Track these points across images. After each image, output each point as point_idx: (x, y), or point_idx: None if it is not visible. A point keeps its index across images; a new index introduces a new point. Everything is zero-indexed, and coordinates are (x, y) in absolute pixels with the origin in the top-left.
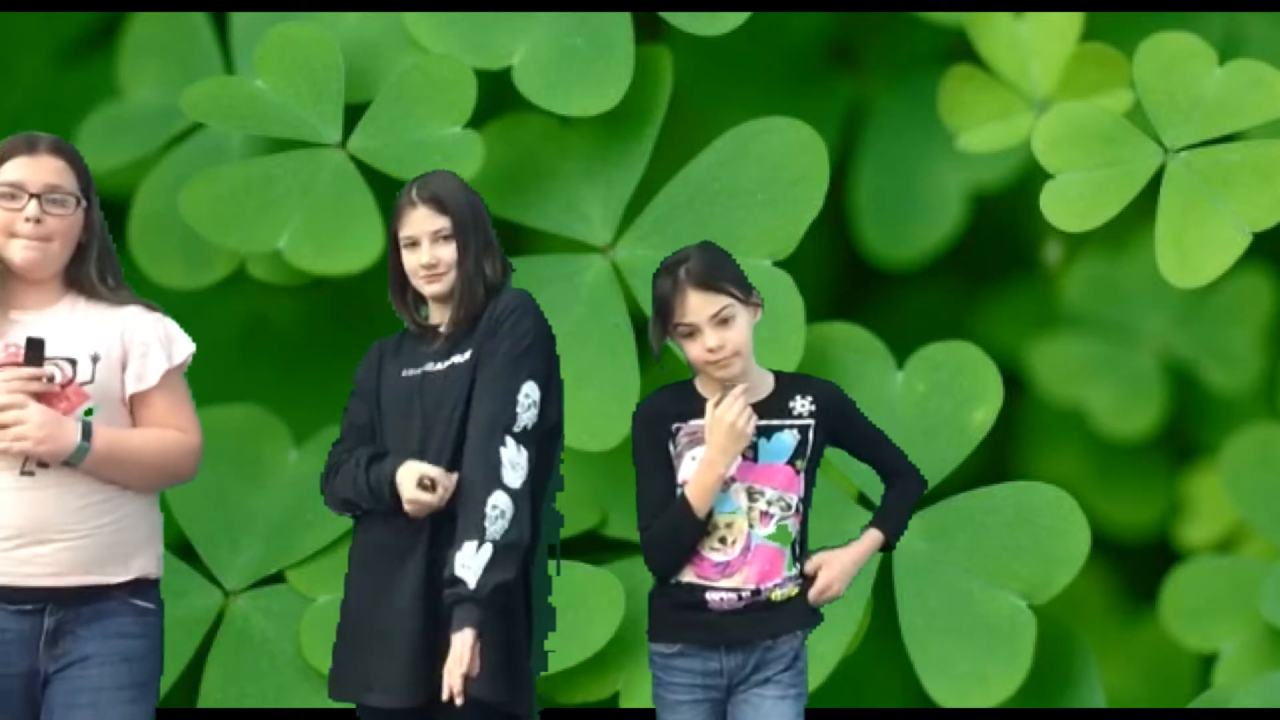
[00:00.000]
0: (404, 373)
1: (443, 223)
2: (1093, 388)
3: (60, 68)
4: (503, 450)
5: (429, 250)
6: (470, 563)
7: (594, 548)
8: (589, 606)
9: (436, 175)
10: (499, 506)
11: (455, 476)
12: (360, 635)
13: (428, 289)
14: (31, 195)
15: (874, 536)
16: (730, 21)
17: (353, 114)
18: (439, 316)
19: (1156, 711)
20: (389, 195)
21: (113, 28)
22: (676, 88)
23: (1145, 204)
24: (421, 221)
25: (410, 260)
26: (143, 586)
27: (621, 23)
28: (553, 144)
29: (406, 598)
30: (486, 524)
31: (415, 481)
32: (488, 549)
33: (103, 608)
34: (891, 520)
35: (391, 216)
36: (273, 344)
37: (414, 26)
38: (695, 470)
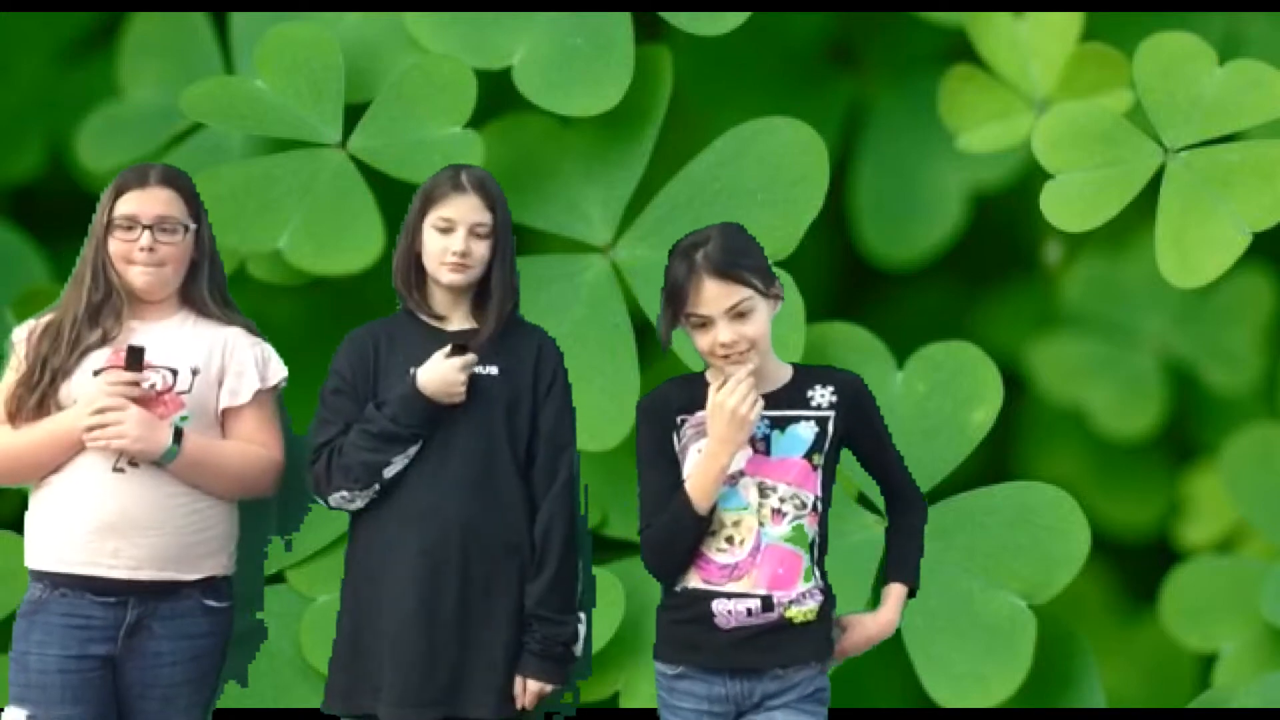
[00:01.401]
0: (413, 370)
1: (487, 218)
2: (1093, 388)
3: (60, 68)
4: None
5: (464, 240)
6: (582, 634)
7: (594, 547)
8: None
9: (478, 168)
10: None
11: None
12: (384, 644)
13: (449, 277)
14: (145, 227)
15: (900, 593)
16: (730, 21)
17: (353, 114)
18: (445, 308)
19: (1156, 711)
20: (389, 195)
21: (113, 28)
22: (676, 88)
23: (1145, 204)
24: (467, 209)
25: (438, 243)
26: (215, 584)
27: (621, 23)
28: (553, 144)
29: (447, 613)
30: (582, 595)
31: (445, 357)
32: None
33: (179, 607)
34: (912, 567)
35: (422, 197)
36: (273, 344)
37: (414, 26)
38: (696, 462)
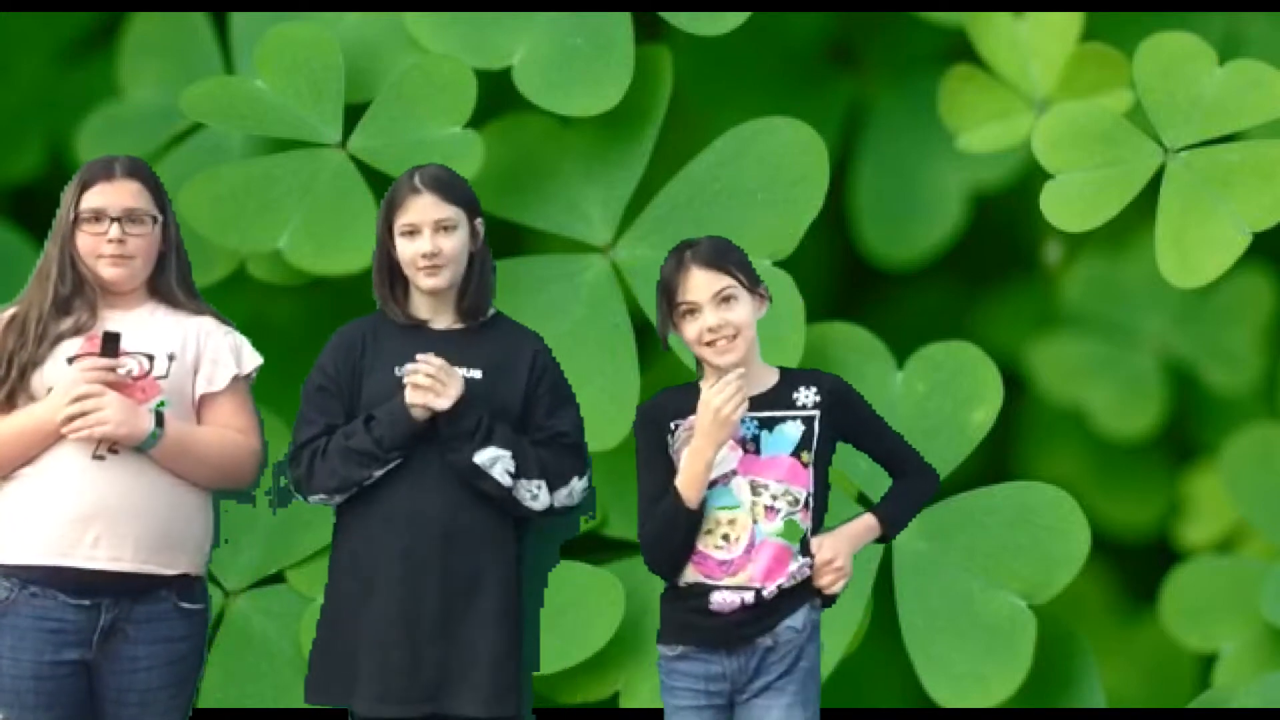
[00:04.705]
0: (397, 370)
1: (448, 212)
2: (1093, 388)
3: (60, 68)
4: None
5: (431, 239)
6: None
7: (594, 548)
8: (589, 606)
9: (434, 165)
10: None
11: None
12: (361, 642)
13: (427, 282)
14: (113, 220)
15: (867, 520)
16: (730, 21)
17: (353, 114)
18: (427, 311)
19: (1156, 711)
20: None
21: (113, 28)
22: (676, 88)
23: (1145, 204)
24: (425, 209)
25: (408, 249)
26: (190, 585)
27: (621, 23)
28: (553, 144)
29: (430, 614)
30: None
31: (408, 382)
32: None
33: (154, 610)
34: (892, 510)
35: (385, 204)
36: (273, 344)
37: (414, 26)
38: (684, 458)
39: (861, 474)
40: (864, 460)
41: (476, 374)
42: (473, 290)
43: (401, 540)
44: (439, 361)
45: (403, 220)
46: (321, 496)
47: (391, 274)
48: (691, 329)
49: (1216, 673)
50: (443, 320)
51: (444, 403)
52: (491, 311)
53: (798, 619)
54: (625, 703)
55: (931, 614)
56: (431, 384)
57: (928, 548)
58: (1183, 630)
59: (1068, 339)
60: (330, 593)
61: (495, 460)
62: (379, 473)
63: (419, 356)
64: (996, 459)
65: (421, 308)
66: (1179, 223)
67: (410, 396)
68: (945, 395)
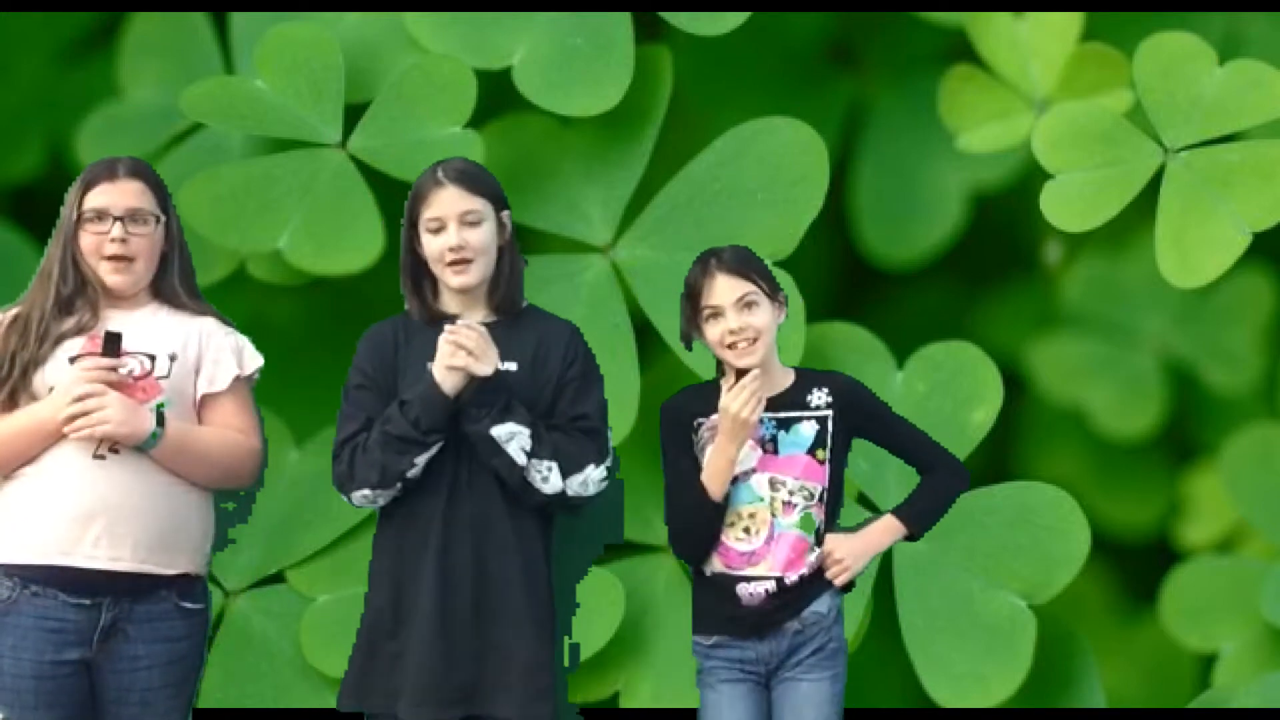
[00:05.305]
0: (430, 365)
1: (475, 204)
2: (1093, 388)
3: (60, 68)
4: None
5: (457, 233)
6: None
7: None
8: (589, 606)
9: (459, 158)
10: None
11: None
12: (400, 646)
13: (456, 280)
14: (116, 219)
15: (888, 522)
16: (730, 21)
17: (353, 114)
18: (458, 306)
19: (1156, 711)
20: (389, 195)
21: (113, 28)
22: (676, 88)
23: (1145, 204)
24: (451, 202)
25: (434, 245)
26: (190, 585)
27: (621, 23)
28: (553, 144)
29: (464, 613)
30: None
31: (449, 341)
32: None
33: (154, 609)
34: (916, 508)
35: (410, 200)
36: (273, 344)
37: (414, 26)
38: (709, 456)
39: (862, 474)
40: (864, 460)
41: (512, 367)
42: (504, 283)
43: (436, 544)
44: (479, 327)
45: (428, 215)
46: (365, 493)
47: (416, 271)
48: (714, 332)
49: (1216, 673)
50: (475, 315)
51: (486, 368)
52: (524, 303)
53: (822, 604)
54: (625, 703)
55: (931, 614)
56: (474, 347)
57: (928, 548)
58: (1183, 630)
59: (1068, 339)
60: (369, 598)
61: (512, 436)
62: (421, 459)
63: (460, 321)
64: (996, 459)
65: (452, 303)
66: (1179, 223)
67: (450, 359)
68: (945, 395)
